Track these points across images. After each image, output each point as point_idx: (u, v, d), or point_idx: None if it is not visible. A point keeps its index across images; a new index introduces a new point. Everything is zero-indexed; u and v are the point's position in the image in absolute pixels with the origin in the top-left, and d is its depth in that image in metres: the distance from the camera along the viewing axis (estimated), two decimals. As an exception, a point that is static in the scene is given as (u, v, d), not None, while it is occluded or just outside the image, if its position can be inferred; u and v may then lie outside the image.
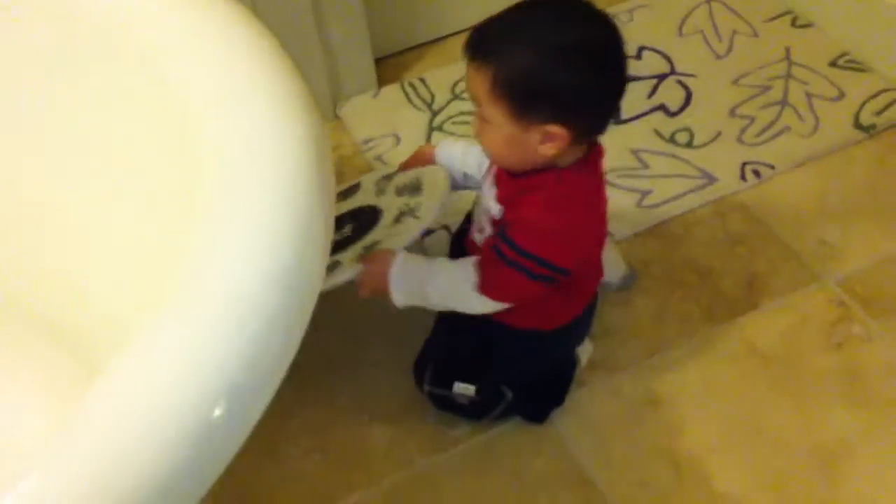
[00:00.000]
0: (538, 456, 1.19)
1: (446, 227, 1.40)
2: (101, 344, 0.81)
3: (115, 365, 0.60)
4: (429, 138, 1.59)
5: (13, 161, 0.94)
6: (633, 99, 1.61)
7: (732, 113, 1.57)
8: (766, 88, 1.60)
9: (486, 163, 1.08)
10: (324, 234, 0.72)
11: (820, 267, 1.35)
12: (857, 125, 1.52)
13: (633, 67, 1.66)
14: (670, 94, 1.61)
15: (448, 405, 1.19)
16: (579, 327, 1.18)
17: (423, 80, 1.68)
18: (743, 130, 1.53)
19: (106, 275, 0.88)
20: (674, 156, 1.51)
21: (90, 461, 0.57)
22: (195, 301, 0.63)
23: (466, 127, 1.60)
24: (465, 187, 1.19)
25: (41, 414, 0.89)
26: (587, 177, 1.01)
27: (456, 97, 1.65)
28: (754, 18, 1.72)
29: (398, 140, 1.59)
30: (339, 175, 1.52)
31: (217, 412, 0.61)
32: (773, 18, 1.72)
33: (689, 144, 1.53)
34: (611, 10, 1.76)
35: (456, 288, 1.04)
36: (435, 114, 1.62)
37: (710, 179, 1.47)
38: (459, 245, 1.17)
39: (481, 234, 1.09)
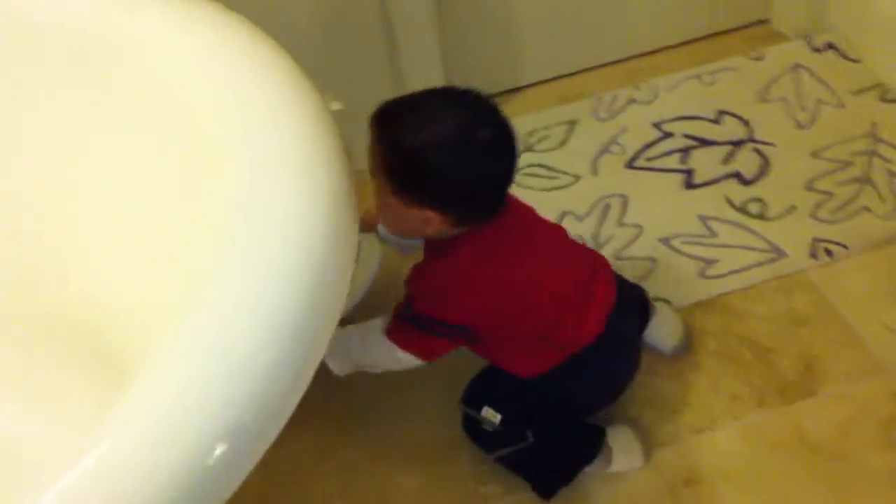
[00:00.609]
0: (567, 525, 1.17)
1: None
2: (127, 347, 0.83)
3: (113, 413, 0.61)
4: (495, 188, 1.58)
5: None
6: (708, 164, 1.57)
7: (809, 186, 1.51)
8: (848, 164, 1.54)
9: None
10: (340, 281, 0.72)
11: (885, 356, 1.29)
12: (941, 210, 1.46)
13: (711, 131, 1.63)
14: (746, 161, 1.57)
15: (472, 429, 1.19)
16: (570, 381, 1.13)
17: (496, 129, 1.68)
18: (818, 206, 1.48)
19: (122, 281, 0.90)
20: (743, 226, 1.47)
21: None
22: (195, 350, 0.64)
23: (537, 179, 1.59)
24: (410, 246, 1.22)
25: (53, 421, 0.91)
26: (488, 239, 1.02)
27: (528, 149, 1.64)
28: (842, 89, 1.67)
29: (465, 187, 1.58)
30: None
31: (217, 453, 0.62)
32: (862, 91, 1.66)
33: (760, 216, 1.48)
34: (694, 71, 1.73)
35: (367, 337, 1.10)
36: (504, 163, 1.61)
37: (779, 254, 1.43)
38: None
39: None
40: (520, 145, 0.98)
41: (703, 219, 1.49)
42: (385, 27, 1.51)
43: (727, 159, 1.58)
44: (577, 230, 1.49)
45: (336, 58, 1.52)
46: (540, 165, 1.62)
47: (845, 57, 1.72)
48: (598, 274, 1.15)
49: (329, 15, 1.48)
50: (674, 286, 1.40)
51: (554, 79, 1.79)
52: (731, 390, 1.27)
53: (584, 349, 1.11)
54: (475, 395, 1.18)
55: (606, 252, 1.44)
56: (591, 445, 1.18)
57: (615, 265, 1.41)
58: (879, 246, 1.42)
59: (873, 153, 1.55)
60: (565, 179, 1.59)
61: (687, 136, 1.63)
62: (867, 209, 1.47)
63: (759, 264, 1.42)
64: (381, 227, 1.24)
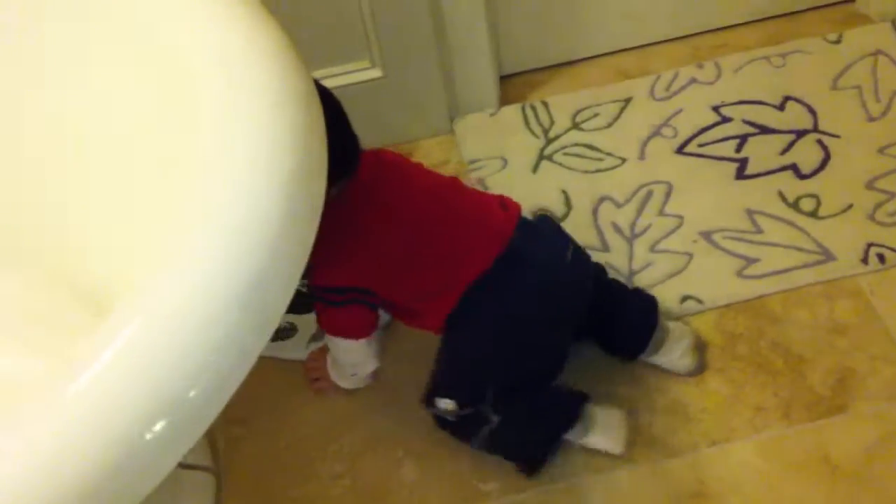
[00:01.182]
0: (565, 528, 1.13)
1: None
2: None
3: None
4: (536, 167, 1.52)
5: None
6: (764, 153, 1.48)
7: (870, 185, 1.41)
8: (917, 163, 1.43)
9: None
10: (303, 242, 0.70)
11: (930, 377, 1.20)
12: None
13: (772, 118, 1.53)
14: (806, 153, 1.47)
15: (444, 425, 1.16)
16: (485, 318, 1.09)
17: (545, 104, 1.61)
18: (877, 207, 1.38)
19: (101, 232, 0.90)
20: (792, 224, 1.38)
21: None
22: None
23: (579, 160, 1.52)
24: None
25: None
26: (359, 194, 1.03)
27: (575, 126, 1.57)
28: (924, 80, 1.54)
29: (505, 164, 1.53)
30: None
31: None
32: (945, 84, 1.53)
33: (813, 213, 1.39)
34: (764, 51, 1.62)
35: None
36: (549, 141, 1.55)
37: (827, 257, 1.33)
38: None
39: None
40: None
41: (750, 213, 1.40)
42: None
43: (786, 150, 1.48)
44: (614, 218, 1.42)
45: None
46: (585, 145, 1.55)
47: (932, 45, 1.59)
48: (490, 204, 1.12)
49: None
50: (708, 284, 1.33)
51: (613, 52, 1.70)
52: (755, 401, 1.20)
53: (481, 281, 1.05)
54: (428, 392, 1.14)
55: (640, 242, 1.38)
56: (564, 411, 1.14)
57: (647, 258, 1.37)
58: (940, 255, 1.32)
59: (947, 153, 1.43)
60: (610, 161, 1.51)
61: (746, 122, 1.53)
62: (931, 214, 1.36)
63: (804, 266, 1.33)
64: None
